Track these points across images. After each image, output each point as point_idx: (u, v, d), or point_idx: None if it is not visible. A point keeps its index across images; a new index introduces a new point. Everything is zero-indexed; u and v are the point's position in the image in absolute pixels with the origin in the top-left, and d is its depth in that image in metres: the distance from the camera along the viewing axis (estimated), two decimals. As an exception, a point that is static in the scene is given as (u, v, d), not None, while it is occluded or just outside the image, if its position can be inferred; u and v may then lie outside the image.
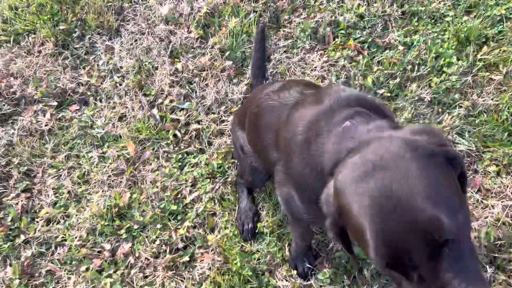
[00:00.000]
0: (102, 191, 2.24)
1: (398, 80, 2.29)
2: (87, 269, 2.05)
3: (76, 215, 2.20)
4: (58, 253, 2.12)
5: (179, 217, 2.14)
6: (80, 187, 2.28)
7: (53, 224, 2.20)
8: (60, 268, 2.09)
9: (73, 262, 2.08)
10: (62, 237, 2.15)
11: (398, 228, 0.81)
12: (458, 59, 2.32)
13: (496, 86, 2.25)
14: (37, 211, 2.25)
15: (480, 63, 2.31)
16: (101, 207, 2.17)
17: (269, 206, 2.11)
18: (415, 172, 0.84)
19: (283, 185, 1.44)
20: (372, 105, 1.24)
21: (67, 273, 2.07)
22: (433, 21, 2.49)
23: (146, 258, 2.05)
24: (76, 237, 2.13)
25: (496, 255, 1.86)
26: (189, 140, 2.33)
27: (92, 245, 2.12)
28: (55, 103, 2.55)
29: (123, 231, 2.12)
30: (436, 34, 2.42)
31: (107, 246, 2.08)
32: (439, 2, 2.52)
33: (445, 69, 2.31)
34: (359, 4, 2.55)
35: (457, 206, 0.86)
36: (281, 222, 2.05)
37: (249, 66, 2.47)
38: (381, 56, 2.39)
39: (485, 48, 2.34)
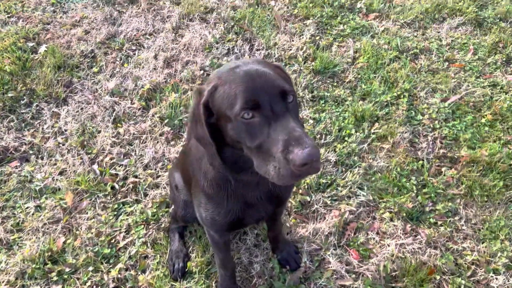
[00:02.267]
0: (36, 238, 2.31)
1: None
2: (11, 312, 2.03)
3: (6, 260, 2.22)
4: (-19, 298, 2.09)
5: (111, 260, 2.25)
6: (13, 235, 2.33)
7: (-21, 270, 2.19)
8: (-19, 313, 2.05)
9: (-3, 306, 2.06)
10: (-12, 282, 2.14)
11: (261, 86, 1.25)
12: (356, 131, 2.88)
13: (386, 153, 2.79)
14: (-37, 258, 2.23)
15: (373, 135, 2.87)
16: (34, 252, 2.22)
17: (199, 248, 2.30)
18: (271, 67, 1.34)
19: (195, 196, 1.71)
20: None
21: (-12, 318, 2.03)
22: (336, 103, 3.09)
23: (75, 299, 2.09)
24: (3, 281, 2.14)
25: (393, 284, 2.18)
26: (126, 191, 2.53)
27: (20, 289, 2.13)
28: (-4, 159, 2.67)
29: (54, 274, 2.17)
30: (338, 113, 3.00)
31: (36, 289, 2.11)
32: (340, 90, 3.16)
33: (346, 138, 2.83)
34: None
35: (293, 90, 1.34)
36: (209, 261, 2.24)
37: (186, 132, 2.83)
38: (296, 127, 2.88)
39: (376, 124, 2.93)
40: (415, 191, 2.56)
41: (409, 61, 3.40)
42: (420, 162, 2.72)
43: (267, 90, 1.25)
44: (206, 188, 1.61)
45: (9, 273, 2.17)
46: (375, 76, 3.25)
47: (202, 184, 1.62)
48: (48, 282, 2.16)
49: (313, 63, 3.32)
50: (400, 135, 2.85)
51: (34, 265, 2.18)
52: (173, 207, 2.35)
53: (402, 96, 3.12)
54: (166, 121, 2.90)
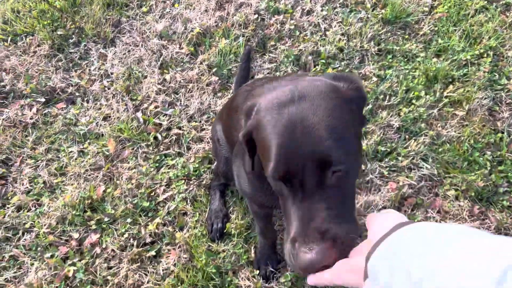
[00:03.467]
0: (78, 184, 2.28)
1: (370, 106, 2.46)
2: (51, 256, 2.04)
3: (48, 204, 2.22)
4: (24, 239, 2.12)
5: (150, 214, 2.18)
6: (56, 179, 2.32)
7: (23, 211, 2.22)
8: (24, 253, 2.08)
9: (39, 249, 2.08)
10: (31, 223, 2.16)
11: (297, 149, 0.92)
12: (426, 94, 2.52)
13: (459, 121, 2.43)
14: (9, 197, 2.26)
15: (446, 99, 2.50)
16: (75, 198, 2.20)
17: (239, 210, 2.17)
18: (329, 110, 0.95)
19: (235, 164, 1.53)
20: None
21: (30, 259, 2.05)
22: (405, 59, 2.71)
23: (112, 249, 2.06)
24: (45, 225, 2.14)
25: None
26: (169, 143, 2.41)
27: (60, 234, 2.13)
28: (43, 100, 2.63)
29: (93, 222, 2.14)
30: (407, 71, 2.63)
31: (75, 235, 2.10)
32: (412, 43, 2.76)
33: (414, 101, 2.50)
34: (340, 38, 2.78)
35: (353, 152, 0.98)
36: (249, 225, 2.11)
37: (233, 83, 2.62)
38: (357, 85, 2.57)
39: (451, 87, 2.55)
40: (488, 168, 2.23)
41: (499, 13, 2.89)
42: (499, 134, 2.35)
43: (304, 155, 0.92)
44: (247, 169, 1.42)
45: (50, 217, 2.17)
46: (455, 30, 2.80)
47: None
48: (87, 230, 2.14)
49: (383, 10, 2.91)
50: (478, 101, 2.46)
51: (74, 212, 2.16)
52: (215, 162, 2.21)
53: (485, 55, 2.68)
54: (214, 70, 2.69)
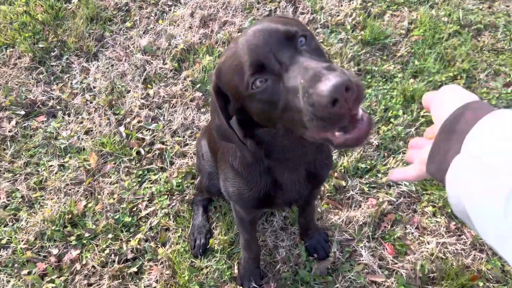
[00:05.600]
0: (58, 198, 2.24)
1: (350, 124, 2.52)
2: (29, 273, 1.99)
3: (27, 219, 2.17)
4: (0, 255, 2.06)
5: (132, 229, 2.16)
6: (35, 193, 2.27)
7: (0, 226, 2.16)
8: (0, 270, 2.01)
9: (15, 265, 2.02)
10: (8, 239, 2.10)
11: (263, 42, 0.99)
12: (403, 113, 2.61)
13: (435, 139, 2.52)
14: (-15, 212, 2.20)
15: (423, 118, 2.60)
16: (54, 213, 2.16)
17: (223, 225, 2.18)
18: (281, 21, 1.05)
19: (221, 170, 1.55)
20: None
21: (6, 276, 2.00)
22: (384, 79, 2.81)
23: (93, 266, 2.02)
24: (22, 240, 2.09)
25: (430, 287, 1.99)
26: (152, 158, 2.41)
27: (38, 250, 2.08)
28: (23, 112, 2.60)
29: (73, 237, 2.10)
30: (386, 91, 2.72)
31: (54, 251, 2.05)
32: (390, 64, 2.86)
33: (392, 120, 2.58)
34: (321, 57, 2.85)
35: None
36: (232, 240, 2.11)
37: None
38: (337, 103, 2.64)
39: (427, 107, 2.64)
40: (463, 186, 2.31)
41: (471, 37, 3.04)
42: (473, 153, 2.45)
43: (270, 41, 0.98)
44: (234, 164, 1.44)
45: (28, 233, 2.12)
46: (430, 52, 2.93)
47: (230, 154, 1.44)
48: (67, 246, 2.10)
49: (362, 32, 3.02)
50: (452, 121, 2.56)
51: (54, 227, 2.12)
52: (199, 178, 2.22)
53: (459, 77, 2.80)
54: (198, 86, 2.72)
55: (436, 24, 3.09)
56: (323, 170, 1.52)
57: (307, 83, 0.87)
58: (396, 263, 2.05)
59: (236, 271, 2.03)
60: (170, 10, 3.20)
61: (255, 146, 1.25)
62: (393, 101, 2.66)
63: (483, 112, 0.68)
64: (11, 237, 2.10)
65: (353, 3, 3.23)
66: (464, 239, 2.14)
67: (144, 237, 2.13)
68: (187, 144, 2.48)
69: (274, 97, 0.99)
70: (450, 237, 2.14)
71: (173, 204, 2.24)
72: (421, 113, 2.62)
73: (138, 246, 2.09)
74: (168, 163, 2.39)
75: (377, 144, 2.46)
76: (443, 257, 2.07)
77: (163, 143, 2.47)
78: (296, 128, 1.00)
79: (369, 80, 2.78)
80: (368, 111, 2.60)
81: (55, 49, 2.91)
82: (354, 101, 0.84)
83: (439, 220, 2.21)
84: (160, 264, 2.04)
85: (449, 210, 2.21)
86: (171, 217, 2.20)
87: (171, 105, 2.64)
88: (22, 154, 2.42)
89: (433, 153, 0.74)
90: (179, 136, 2.50)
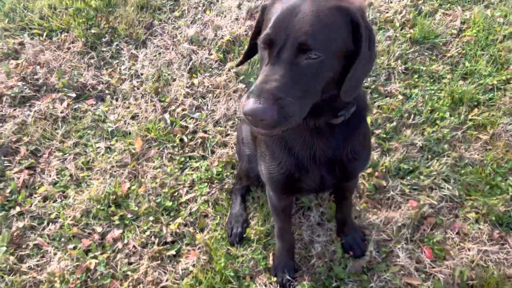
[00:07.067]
0: (103, 179, 2.34)
1: (394, 124, 2.49)
2: (74, 248, 2.09)
3: (74, 197, 2.27)
4: (49, 229, 2.17)
5: (172, 214, 2.22)
6: (83, 172, 2.38)
7: (49, 201, 2.27)
8: (48, 243, 2.13)
9: (62, 239, 2.13)
10: (56, 214, 2.22)
11: (287, 25, 1.12)
12: (450, 115, 2.54)
13: (483, 145, 2.44)
14: (37, 188, 2.32)
15: (470, 122, 2.52)
16: (100, 193, 2.25)
17: (260, 216, 2.20)
18: (321, 11, 1.13)
19: (259, 147, 1.63)
20: None
21: (54, 249, 2.10)
22: (432, 80, 2.73)
23: (134, 246, 2.10)
24: (69, 216, 2.20)
25: (468, 294, 1.95)
26: (194, 146, 2.46)
27: (84, 226, 2.18)
28: (74, 95, 2.71)
29: (116, 217, 2.19)
30: (433, 91, 2.65)
31: (99, 229, 2.15)
32: (439, 65, 2.79)
33: (438, 122, 2.51)
34: (367, 54, 2.81)
35: (333, 50, 1.15)
36: (268, 231, 2.14)
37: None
38: (382, 102, 2.61)
39: (476, 110, 2.56)
40: (510, 194, 2.23)
41: (527, 40, 2.90)
42: (523, 161, 2.35)
43: (289, 35, 1.12)
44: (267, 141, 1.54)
45: (75, 210, 2.22)
46: (482, 54, 2.82)
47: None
48: (110, 224, 2.19)
49: (411, 30, 2.95)
50: (502, 126, 2.47)
51: (99, 206, 2.22)
52: (237, 168, 2.25)
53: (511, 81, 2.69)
54: (241, 77, 2.75)
55: (490, 25, 2.97)
56: (352, 163, 1.54)
57: (251, 91, 1.08)
58: (433, 267, 2.01)
59: (271, 262, 2.05)
60: (218, 1, 3.24)
61: None
62: (440, 102, 2.59)
63: None
64: (59, 213, 2.21)
65: (403, 0, 3.16)
66: (508, 249, 2.07)
67: (184, 222, 2.19)
68: (228, 135, 2.51)
69: (263, 58, 1.19)
70: (492, 246, 2.07)
71: (213, 192, 2.29)
72: (469, 116, 2.54)
73: (177, 230, 2.15)
74: (210, 151, 2.43)
75: (421, 145, 2.41)
76: (484, 265, 2.01)
77: (205, 132, 2.52)
78: None
79: (416, 80, 2.72)
80: (414, 111, 2.55)
81: (106, 35, 3.01)
82: (264, 125, 1.08)
83: (482, 227, 2.14)
84: (198, 249, 2.10)
85: (493, 218, 2.14)
86: (210, 204, 2.25)
87: (215, 95, 2.69)
88: (72, 135, 2.53)
89: None
90: (221, 126, 2.54)
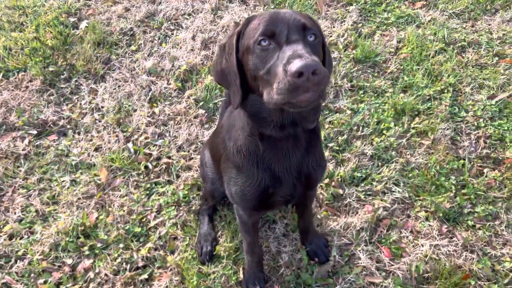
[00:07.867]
0: (70, 211, 2.36)
1: (345, 137, 2.69)
2: (45, 282, 2.09)
3: (41, 232, 2.28)
4: (17, 266, 2.16)
5: (142, 239, 2.28)
6: (49, 207, 2.39)
7: (16, 239, 2.27)
8: (17, 280, 2.12)
9: (32, 275, 2.12)
10: (24, 251, 2.21)
11: (282, 19, 1.30)
12: (395, 125, 2.77)
13: (426, 149, 2.68)
14: (1, 226, 2.31)
15: (413, 130, 2.76)
16: (68, 225, 2.27)
17: (228, 233, 2.30)
18: (301, 14, 1.36)
19: (225, 172, 1.71)
20: None
21: (23, 286, 2.10)
22: (376, 94, 2.98)
23: (105, 274, 2.13)
24: (38, 252, 2.20)
25: (425, 286, 2.11)
26: (159, 172, 2.55)
27: (53, 260, 2.18)
28: (35, 132, 2.74)
29: (86, 248, 2.21)
30: (378, 105, 2.89)
31: (69, 261, 2.16)
32: (381, 80, 3.05)
33: (384, 132, 2.74)
34: (316, 75, 3.03)
35: (318, 32, 1.36)
36: (237, 247, 2.23)
37: (219, 114, 2.80)
38: (332, 117, 2.81)
39: (417, 119, 2.82)
40: (453, 191, 2.46)
41: (456, 54, 3.24)
42: (461, 161, 2.60)
43: (288, 24, 1.29)
44: (236, 157, 1.60)
45: (43, 244, 2.23)
46: (418, 68, 3.12)
47: (232, 152, 1.61)
48: (80, 256, 2.21)
49: (353, 51, 3.21)
50: (441, 132, 2.73)
51: (67, 238, 2.24)
52: (203, 189, 2.35)
53: (446, 91, 2.98)
54: (201, 103, 2.88)
55: (423, 42, 3.29)
56: (315, 172, 1.68)
57: (291, 58, 1.17)
58: (392, 265, 2.17)
59: (241, 275, 2.14)
60: (172, 34, 3.39)
61: (245, 112, 1.47)
62: (385, 114, 2.83)
63: None
64: (27, 249, 2.21)
65: (344, 24, 3.44)
66: (456, 241, 2.27)
67: (154, 246, 2.24)
68: (192, 158, 2.62)
69: (267, 57, 1.27)
70: (442, 239, 2.27)
71: (180, 214, 2.37)
72: (412, 125, 2.79)
73: (148, 255, 2.20)
74: (175, 176, 2.52)
75: (371, 154, 2.61)
76: (437, 258, 2.20)
77: (169, 157, 2.61)
78: (266, 89, 1.27)
79: (362, 95, 2.96)
80: (362, 124, 2.77)
81: (65, 72, 3.08)
82: (315, 83, 1.15)
83: (431, 224, 2.34)
84: (170, 271, 2.15)
85: (441, 214, 2.35)
86: (178, 226, 2.32)
87: (176, 122, 2.80)
88: (35, 171, 2.55)
89: None
90: (184, 151, 2.65)
